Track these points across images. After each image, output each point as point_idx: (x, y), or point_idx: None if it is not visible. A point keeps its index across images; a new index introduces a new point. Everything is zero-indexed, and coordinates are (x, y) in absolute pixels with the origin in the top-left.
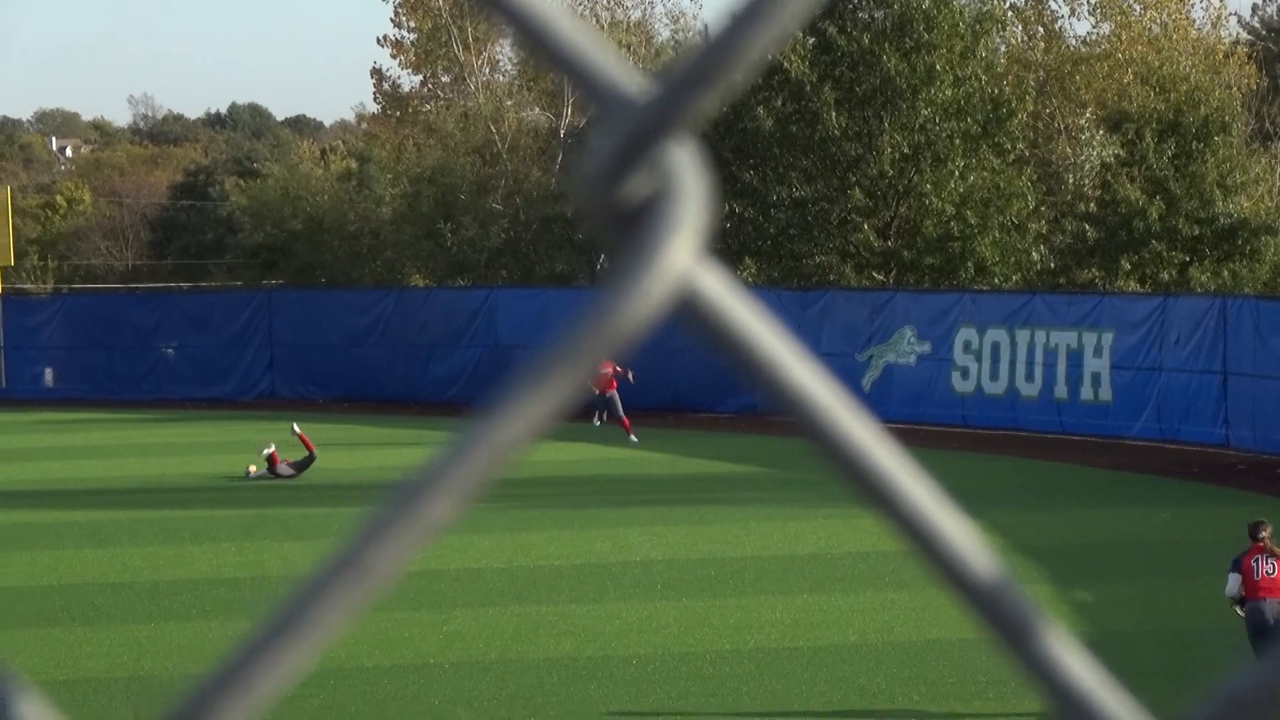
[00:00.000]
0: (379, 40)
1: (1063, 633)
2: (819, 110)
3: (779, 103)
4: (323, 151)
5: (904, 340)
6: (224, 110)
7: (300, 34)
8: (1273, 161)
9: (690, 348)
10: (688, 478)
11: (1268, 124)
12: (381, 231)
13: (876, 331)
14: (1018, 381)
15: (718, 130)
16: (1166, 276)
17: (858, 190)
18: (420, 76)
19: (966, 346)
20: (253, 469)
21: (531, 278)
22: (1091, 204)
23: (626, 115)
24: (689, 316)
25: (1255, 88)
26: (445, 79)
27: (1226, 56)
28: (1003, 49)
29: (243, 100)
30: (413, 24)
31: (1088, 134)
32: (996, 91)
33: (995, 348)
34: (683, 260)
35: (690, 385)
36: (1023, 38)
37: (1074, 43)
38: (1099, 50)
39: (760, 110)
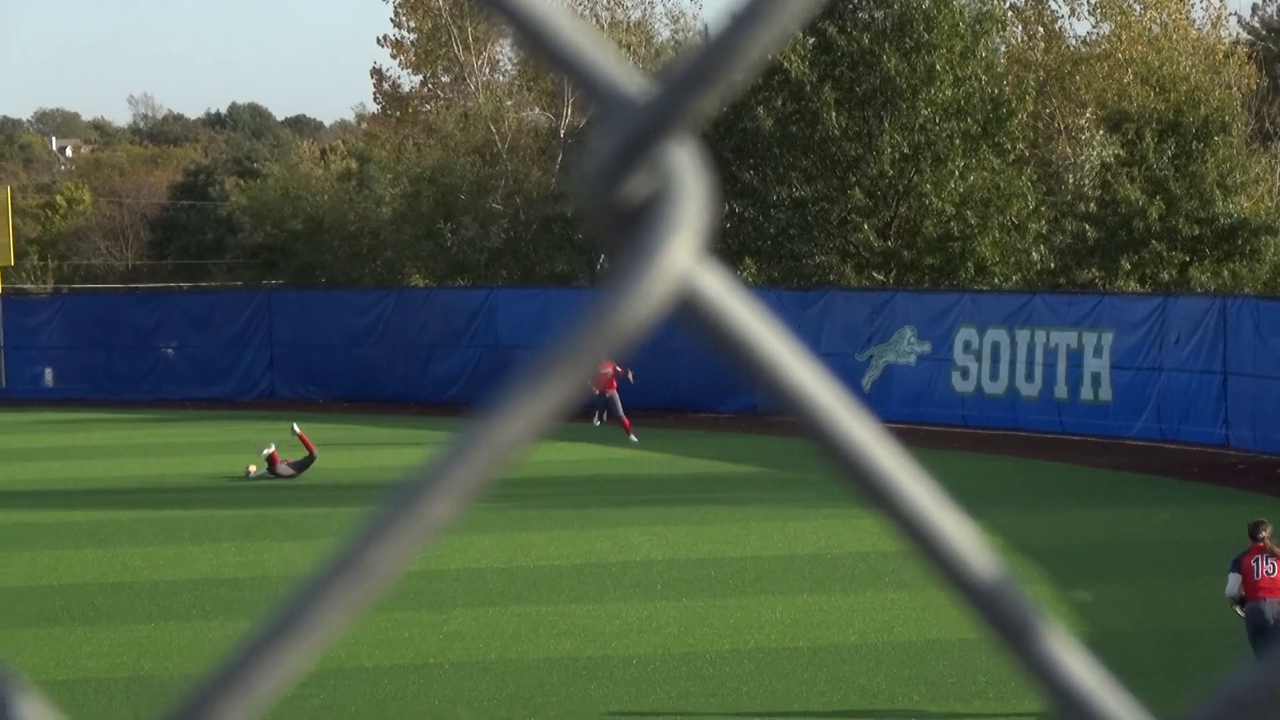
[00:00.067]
0: (379, 40)
1: (1063, 633)
2: (819, 110)
3: (779, 103)
4: (323, 151)
5: (904, 340)
6: (224, 110)
7: (300, 34)
8: (1273, 161)
9: (690, 348)
10: (688, 478)
11: (1268, 124)
12: (381, 231)
13: (876, 331)
14: (1018, 381)
15: (718, 130)
16: (1166, 276)
17: (858, 190)
18: (420, 76)
19: (966, 346)
20: (252, 469)
21: (531, 278)
22: (1091, 204)
23: (627, 115)
24: (689, 316)
25: (1255, 88)
26: (445, 79)
27: (1226, 56)
28: (1003, 49)
29: (243, 100)
30: (413, 24)
31: (1088, 134)
32: (996, 91)
33: (995, 348)
34: (683, 260)
35: (690, 385)
36: (1023, 38)
37: (1074, 43)
38: (1099, 50)
39: (760, 110)
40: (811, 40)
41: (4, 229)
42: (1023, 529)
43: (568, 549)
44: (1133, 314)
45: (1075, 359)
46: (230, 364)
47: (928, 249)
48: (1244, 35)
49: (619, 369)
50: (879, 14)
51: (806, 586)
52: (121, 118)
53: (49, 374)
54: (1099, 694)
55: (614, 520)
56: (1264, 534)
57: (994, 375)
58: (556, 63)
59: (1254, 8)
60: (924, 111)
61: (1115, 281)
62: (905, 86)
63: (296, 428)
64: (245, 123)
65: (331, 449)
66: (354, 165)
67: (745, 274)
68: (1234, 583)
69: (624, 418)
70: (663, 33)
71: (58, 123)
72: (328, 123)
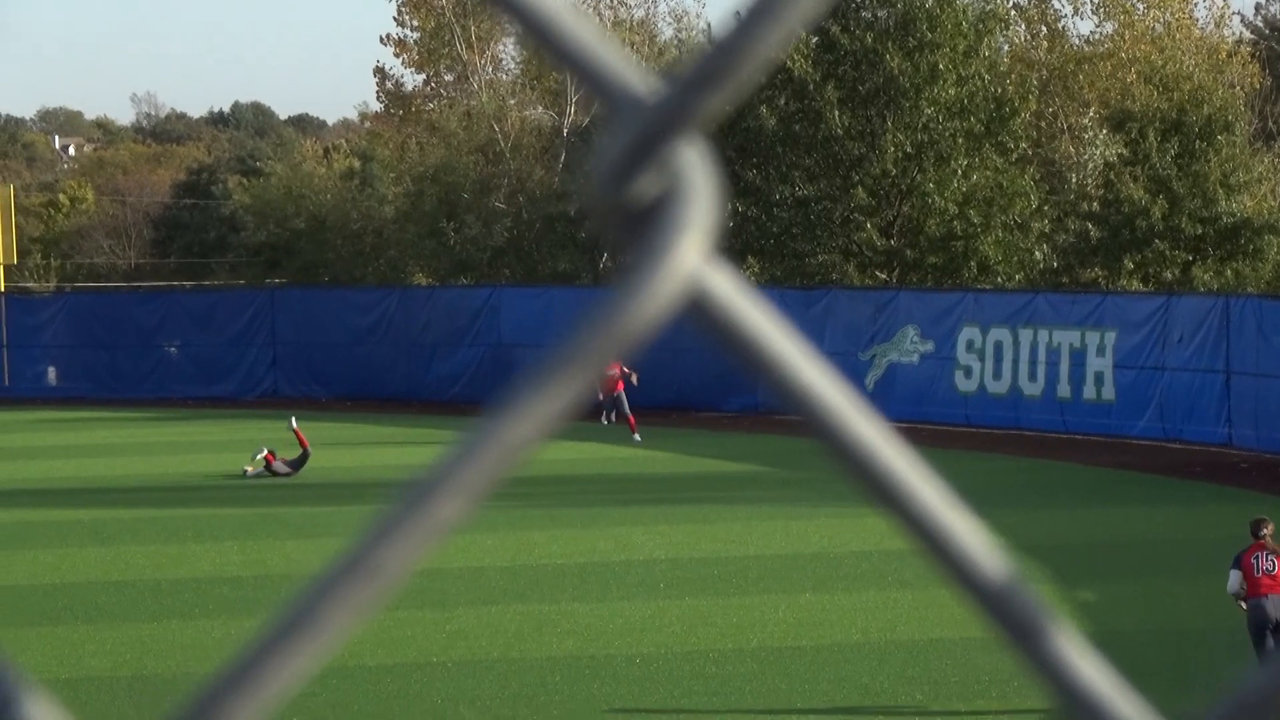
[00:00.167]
0: (382, 39)
1: (1072, 633)
2: (822, 109)
3: (782, 102)
4: (326, 150)
5: (907, 339)
6: (227, 109)
7: (303, 33)
8: (1276, 161)
9: (694, 347)
10: (691, 477)
11: (1271, 123)
12: (384, 230)
13: (879, 330)
14: (1021, 381)
15: (721, 129)
16: (1169, 276)
17: (861, 189)
18: (423, 75)
19: (969, 346)
20: (249, 469)
21: (534, 277)
22: (1094, 203)
23: (636, 115)
24: (698, 316)
25: (1258, 87)
26: (448, 78)
27: (1230, 56)
28: (1006, 48)
29: (246, 99)
30: (416, 23)
31: (1091, 133)
32: (1000, 90)
33: (998, 347)
34: (692, 260)
35: (694, 384)
36: (1026, 37)
37: (1077, 42)
38: (1102, 49)
39: (763, 109)
40: (815, 39)
41: (7, 227)
42: (1025, 528)
43: (571, 548)
44: (1136, 313)
45: (1078, 358)
46: (233, 363)
47: (931, 248)
48: (1247, 34)
49: (625, 370)
50: (882, 13)
51: (809, 585)
52: (124, 116)
53: (52, 373)
54: (1109, 694)
55: (617, 519)
56: (1265, 531)
57: (997, 374)
58: (565, 62)
59: (1257, 7)
60: (927, 110)
61: (1118, 281)
62: (908, 85)
63: (294, 422)
64: (248, 121)
65: (334, 448)
66: (357, 164)
67: (748, 273)
68: (1235, 579)
69: (629, 415)
70: (666, 32)
71: (61, 121)
72: (331, 121)
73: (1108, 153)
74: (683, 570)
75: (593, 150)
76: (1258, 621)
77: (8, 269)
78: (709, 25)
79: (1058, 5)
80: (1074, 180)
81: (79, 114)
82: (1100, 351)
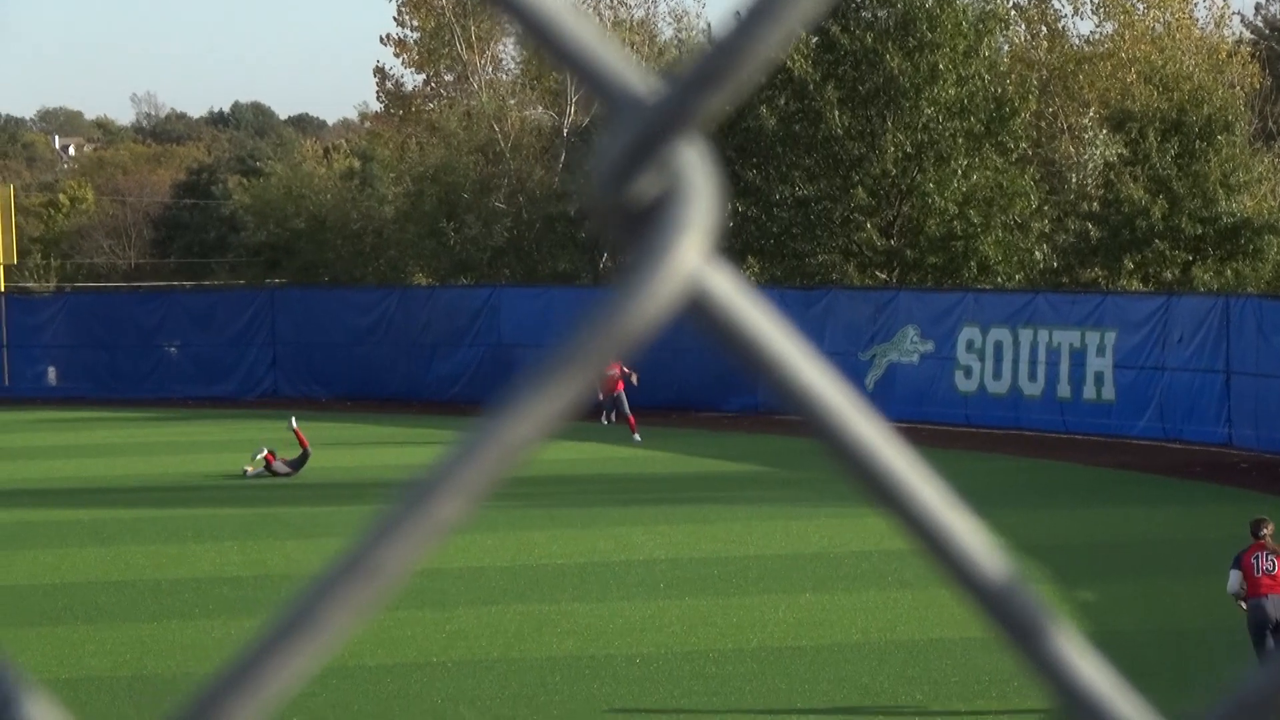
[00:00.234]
0: (382, 39)
1: (1073, 634)
2: (822, 109)
3: (782, 101)
4: (326, 150)
5: (907, 339)
6: (227, 109)
7: (303, 33)
8: (1276, 161)
9: (694, 347)
10: (691, 476)
11: (1271, 123)
12: (384, 230)
13: (879, 330)
14: (1021, 381)
15: (721, 129)
16: (1169, 276)
17: (860, 189)
18: (423, 75)
19: (969, 346)
20: (249, 469)
21: (534, 277)
22: (1094, 203)
23: (636, 115)
24: (699, 316)
25: (1258, 87)
26: (448, 78)
27: (1230, 56)
28: (1006, 48)
29: (245, 99)
30: (415, 23)
31: (1090, 133)
32: (999, 90)
33: (998, 347)
34: (692, 260)
35: (693, 384)
36: (1026, 37)
37: (1077, 42)
38: (1102, 49)
39: (763, 109)
40: (815, 39)
41: (7, 227)
42: (1025, 528)
43: (571, 548)
44: (1136, 313)
45: (1078, 358)
46: (233, 363)
47: (931, 248)
48: (1247, 34)
49: (625, 370)
50: (882, 13)
51: (809, 585)
52: (124, 116)
53: (52, 372)
54: (1109, 695)
55: (617, 519)
56: (1265, 531)
57: (997, 374)
58: (566, 62)
59: (1257, 7)
60: (927, 110)
61: (1118, 281)
62: (908, 85)
63: (294, 422)
64: (248, 121)
65: (334, 448)
66: (357, 164)
67: (748, 273)
68: (1235, 579)
69: (629, 415)
70: (666, 32)
71: (61, 121)
72: (331, 121)
73: (1108, 153)
74: (683, 570)
75: (593, 150)
76: (1258, 621)
77: (8, 269)
78: (709, 25)
79: (1058, 5)
80: (1074, 180)
81: (79, 114)
82: (1100, 351)
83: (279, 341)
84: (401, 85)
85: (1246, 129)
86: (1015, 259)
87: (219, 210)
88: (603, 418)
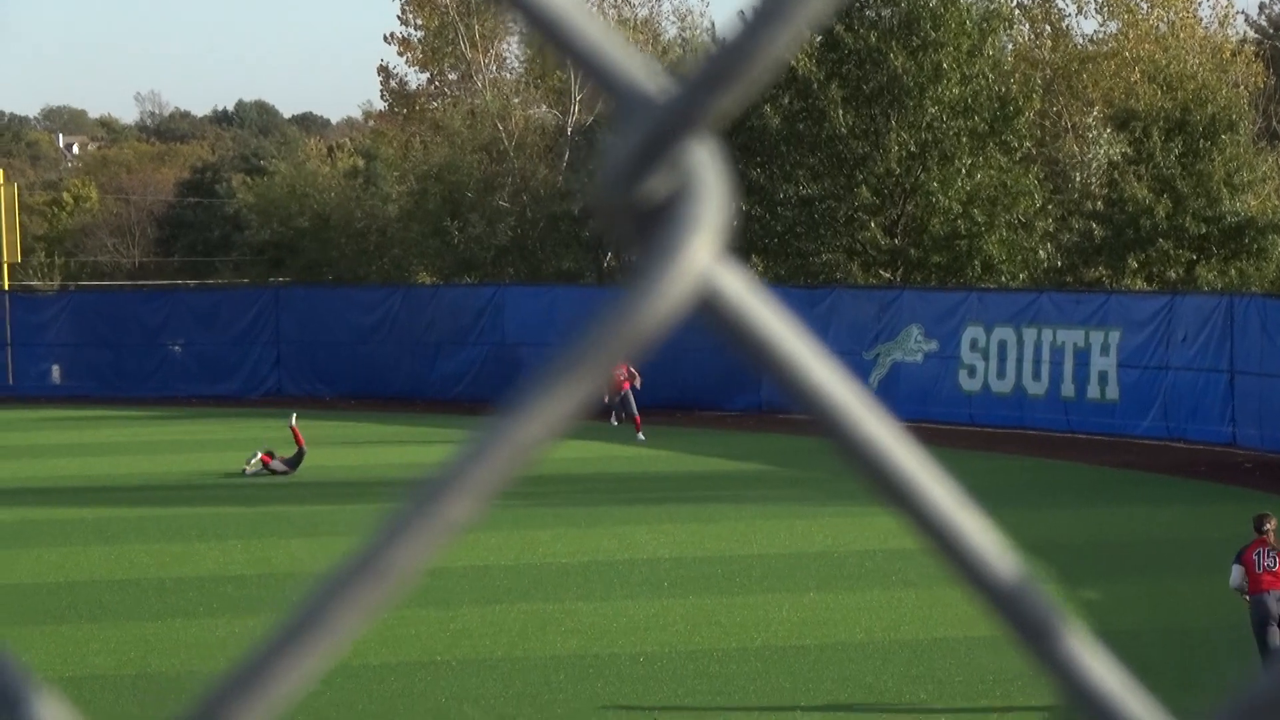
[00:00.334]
0: (386, 38)
1: (1083, 633)
2: (826, 108)
3: (786, 100)
4: (330, 149)
5: (911, 338)
6: (231, 108)
7: (307, 31)
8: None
9: (698, 346)
10: (695, 476)
11: (1275, 122)
12: (388, 229)
13: (883, 330)
14: (1025, 380)
15: (725, 128)
16: (1173, 275)
17: (864, 188)
18: (427, 74)
19: (973, 345)
20: (248, 469)
21: (538, 275)
22: (1098, 202)
23: (646, 114)
24: (710, 316)
25: (1262, 86)
26: (452, 76)
27: (1234, 55)
28: (1010, 47)
29: (249, 97)
30: (420, 21)
31: (1095, 132)
32: (1003, 90)
33: (1002, 346)
34: (703, 259)
35: (698, 383)
36: (1030, 36)
37: (1081, 41)
38: (1106, 49)
39: (767, 108)
40: (819, 38)
41: (11, 226)
42: (1029, 527)
43: (575, 546)
44: (1140, 312)
45: (1082, 357)
46: (237, 361)
47: (935, 247)
48: (1251, 34)
49: (632, 370)
50: (886, 12)
51: (813, 584)
52: (128, 115)
53: (56, 371)
54: (1120, 694)
55: (621, 518)
56: (1268, 527)
57: (1001, 374)
58: (576, 61)
59: (1261, 6)
60: (931, 109)
61: (1122, 280)
62: (912, 84)
63: (294, 420)
64: (252, 120)
65: (338, 446)
66: (361, 163)
67: (752, 272)
68: (1237, 574)
69: (636, 415)
70: (670, 30)
71: (65, 120)
72: (334, 120)
73: (1112, 152)
74: (687, 569)
75: (601, 149)
76: (1260, 617)
77: (12, 267)
78: (713, 24)
79: (1061, 4)
80: (1078, 179)
81: (83, 112)
82: (1104, 351)
83: (283, 340)
84: (405, 84)
85: (1250, 128)
86: (1019, 258)
87: (223, 209)
88: (612, 418)
